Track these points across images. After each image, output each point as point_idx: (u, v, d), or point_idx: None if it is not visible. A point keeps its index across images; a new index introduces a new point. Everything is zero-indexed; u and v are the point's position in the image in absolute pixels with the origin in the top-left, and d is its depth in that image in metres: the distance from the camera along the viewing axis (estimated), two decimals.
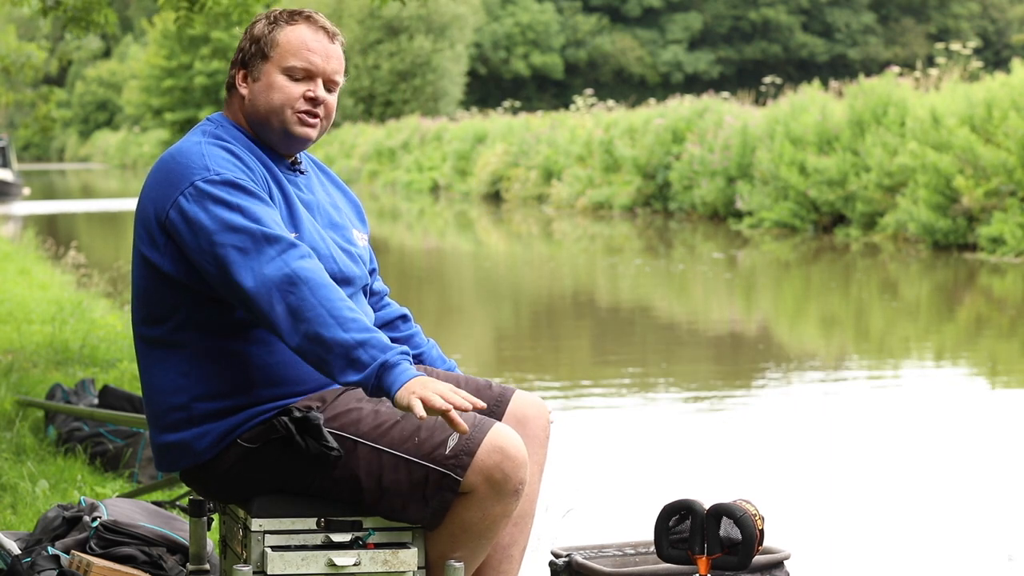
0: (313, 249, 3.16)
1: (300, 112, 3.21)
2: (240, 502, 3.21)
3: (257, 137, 3.26)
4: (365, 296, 3.39)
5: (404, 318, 3.56)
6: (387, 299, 3.56)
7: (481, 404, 2.99)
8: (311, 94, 3.21)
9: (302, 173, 3.31)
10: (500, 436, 3.10)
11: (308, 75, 3.21)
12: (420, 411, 2.91)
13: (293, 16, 3.23)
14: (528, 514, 3.35)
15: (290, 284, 2.98)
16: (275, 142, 3.25)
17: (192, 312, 3.13)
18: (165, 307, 3.15)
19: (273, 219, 3.06)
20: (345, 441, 3.11)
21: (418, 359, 3.53)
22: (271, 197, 3.16)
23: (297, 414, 3.09)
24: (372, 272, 3.46)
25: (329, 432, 3.10)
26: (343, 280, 3.22)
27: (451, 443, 3.08)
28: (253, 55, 3.22)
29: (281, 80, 3.20)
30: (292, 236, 3.07)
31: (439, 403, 2.92)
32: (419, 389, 2.94)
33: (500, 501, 3.12)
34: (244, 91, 3.23)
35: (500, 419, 3.30)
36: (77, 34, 8.55)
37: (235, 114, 3.27)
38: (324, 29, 3.25)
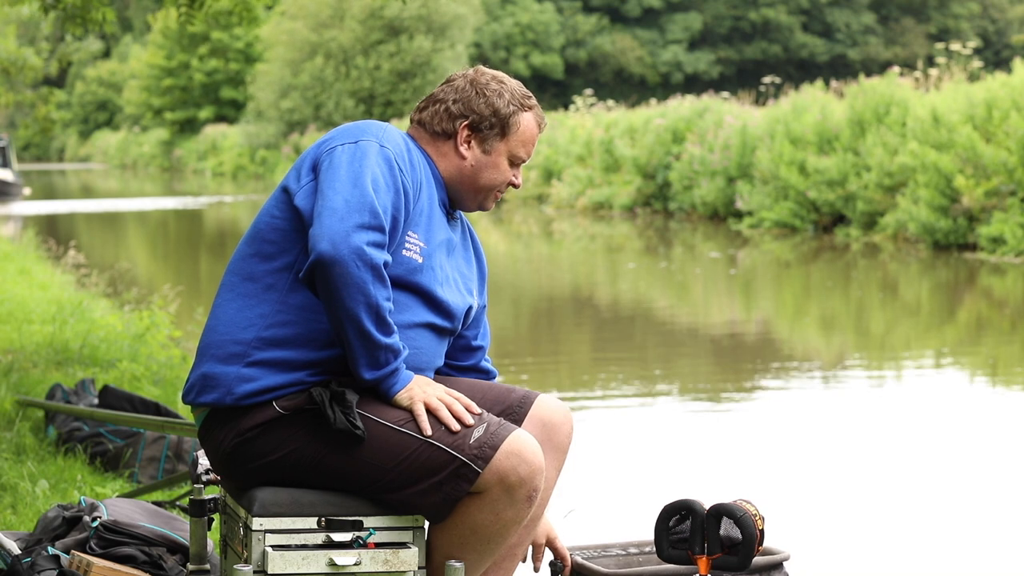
0: (431, 268, 3.27)
1: (500, 194, 3.43)
2: (243, 472, 3.21)
3: (442, 178, 3.39)
4: (447, 342, 3.42)
5: None
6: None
7: (469, 420, 3.16)
8: (516, 182, 3.43)
9: (453, 219, 3.44)
10: (519, 441, 3.15)
11: (520, 163, 3.42)
12: (426, 428, 3.14)
13: (527, 101, 3.42)
14: (537, 517, 3.39)
15: (360, 257, 3.06)
16: (459, 201, 3.42)
17: (299, 258, 3.20)
18: (277, 245, 3.22)
19: (385, 206, 3.15)
20: (370, 422, 3.16)
21: None
22: (416, 201, 3.26)
23: (336, 387, 3.16)
24: (480, 349, 3.55)
25: (358, 412, 3.15)
26: (446, 311, 3.31)
27: (475, 435, 3.14)
28: (491, 127, 3.38)
29: (505, 164, 3.41)
30: (386, 229, 3.14)
31: (444, 414, 3.15)
32: (418, 393, 3.17)
33: (512, 506, 3.15)
34: (467, 154, 3.38)
35: (521, 421, 3.35)
36: (76, 32, 8.56)
37: (436, 154, 3.39)
38: (540, 122, 3.45)
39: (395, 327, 3.14)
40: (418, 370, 3.28)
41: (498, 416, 3.29)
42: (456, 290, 3.36)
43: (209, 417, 3.24)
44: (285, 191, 3.25)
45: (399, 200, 3.18)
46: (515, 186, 3.44)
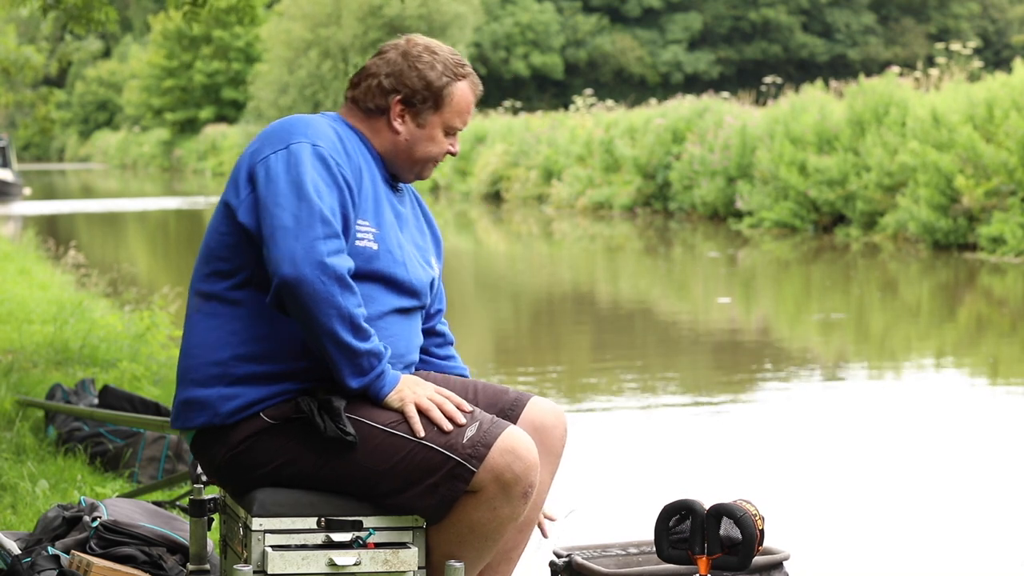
0: (388, 251, 3.24)
1: (437, 163, 3.39)
2: (241, 482, 3.21)
3: (378, 153, 3.36)
4: (418, 320, 3.41)
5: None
6: (452, 350, 3.59)
7: (461, 420, 3.15)
8: (454, 150, 3.39)
9: (398, 191, 3.40)
10: (513, 438, 3.14)
11: (456, 132, 3.38)
12: (419, 430, 3.13)
13: (460, 70, 3.36)
14: (532, 521, 3.38)
15: (324, 272, 3.05)
16: (398, 173, 3.39)
17: (256, 271, 3.18)
18: (232, 262, 3.20)
19: (333, 207, 3.12)
20: (361, 426, 3.15)
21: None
22: (360, 189, 3.23)
23: (322, 396, 3.14)
24: (438, 313, 3.54)
25: (348, 417, 3.14)
26: (411, 290, 3.30)
27: (468, 434, 3.13)
28: (424, 101, 3.33)
29: (440, 135, 3.37)
30: (340, 230, 3.12)
31: (436, 415, 3.14)
32: (409, 394, 3.16)
33: (509, 503, 3.14)
34: (401, 128, 3.34)
35: (515, 423, 3.32)
36: (78, 32, 8.55)
37: (369, 132, 3.35)
38: (476, 89, 3.40)
39: (372, 331, 3.12)
40: (399, 357, 3.26)
41: None
42: (416, 264, 3.33)
43: (198, 436, 3.24)
44: (227, 206, 3.21)
45: (344, 197, 3.17)
46: (452, 154, 3.40)
